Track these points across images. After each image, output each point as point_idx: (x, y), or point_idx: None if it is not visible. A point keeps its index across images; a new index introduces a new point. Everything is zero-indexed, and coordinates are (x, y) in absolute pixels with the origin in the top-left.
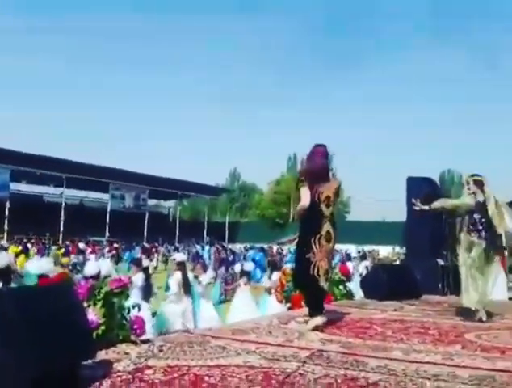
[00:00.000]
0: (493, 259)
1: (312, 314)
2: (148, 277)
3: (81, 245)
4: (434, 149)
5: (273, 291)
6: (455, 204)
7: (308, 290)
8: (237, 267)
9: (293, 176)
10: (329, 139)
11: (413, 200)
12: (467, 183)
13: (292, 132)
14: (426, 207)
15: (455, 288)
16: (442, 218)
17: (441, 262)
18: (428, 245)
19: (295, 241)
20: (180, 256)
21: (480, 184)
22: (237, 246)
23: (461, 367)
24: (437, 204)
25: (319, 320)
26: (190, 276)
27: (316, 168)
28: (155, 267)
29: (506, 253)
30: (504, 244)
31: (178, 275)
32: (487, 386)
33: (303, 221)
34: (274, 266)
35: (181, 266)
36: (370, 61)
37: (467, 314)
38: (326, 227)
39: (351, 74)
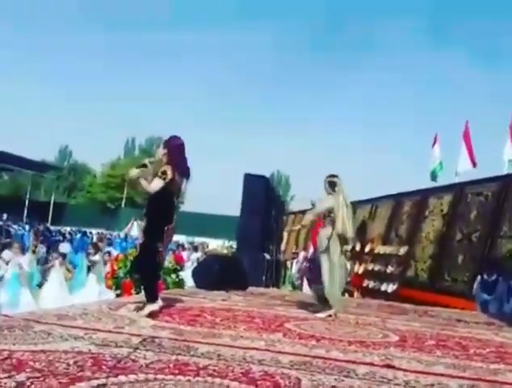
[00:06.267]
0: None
1: (149, 301)
2: None
3: None
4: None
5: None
6: (320, 212)
7: (150, 277)
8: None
9: (131, 160)
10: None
11: None
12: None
13: (131, 114)
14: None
15: (276, 282)
16: (272, 215)
17: (267, 256)
18: (258, 239)
19: (143, 227)
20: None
21: (333, 185)
22: (63, 229)
23: (283, 353)
24: (309, 217)
25: (155, 306)
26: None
27: (186, 164)
28: None
29: None
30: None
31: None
32: (305, 370)
33: (157, 209)
34: (97, 249)
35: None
36: None
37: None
38: (175, 219)
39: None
